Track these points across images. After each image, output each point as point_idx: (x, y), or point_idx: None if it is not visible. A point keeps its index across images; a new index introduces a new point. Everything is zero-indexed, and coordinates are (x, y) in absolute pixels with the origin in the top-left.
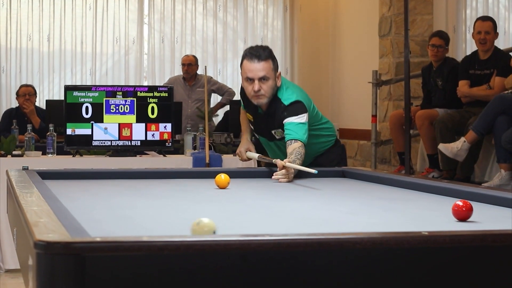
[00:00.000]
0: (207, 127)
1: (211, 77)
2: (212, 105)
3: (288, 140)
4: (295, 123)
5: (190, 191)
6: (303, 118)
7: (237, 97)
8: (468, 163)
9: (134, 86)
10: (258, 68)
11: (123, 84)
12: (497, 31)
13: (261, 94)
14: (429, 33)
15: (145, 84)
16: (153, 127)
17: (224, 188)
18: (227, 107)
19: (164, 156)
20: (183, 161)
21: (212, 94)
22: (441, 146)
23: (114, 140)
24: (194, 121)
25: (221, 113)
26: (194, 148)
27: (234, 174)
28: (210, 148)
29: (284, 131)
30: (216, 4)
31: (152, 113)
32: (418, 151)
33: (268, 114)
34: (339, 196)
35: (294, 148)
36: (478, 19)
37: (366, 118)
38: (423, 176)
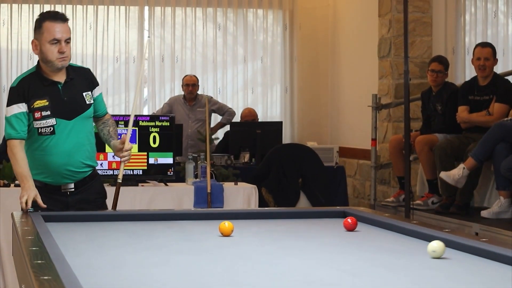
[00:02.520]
0: (208, 157)
1: (211, 97)
2: (212, 125)
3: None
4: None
5: (193, 240)
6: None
7: (237, 118)
8: (468, 189)
9: (136, 116)
10: (64, 29)
11: (123, 105)
12: (496, 57)
13: (66, 56)
14: (428, 55)
15: (146, 105)
16: (155, 156)
17: (228, 236)
18: (227, 127)
19: (166, 185)
20: (185, 190)
21: (212, 114)
22: (443, 175)
23: (116, 169)
24: (194, 141)
25: (221, 133)
26: (196, 176)
27: (237, 215)
28: (211, 177)
29: (93, 96)
30: (216, 23)
31: (154, 142)
32: (417, 175)
33: (71, 79)
34: (341, 248)
35: (112, 121)
36: (477, 45)
37: (365, 137)
38: (425, 224)
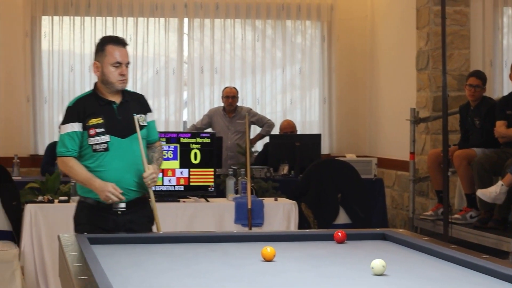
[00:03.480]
0: (248, 173)
1: (251, 109)
2: (251, 136)
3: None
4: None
5: (236, 266)
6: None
7: (276, 130)
8: (506, 203)
9: (177, 132)
10: (125, 53)
11: (163, 117)
12: None
13: (126, 79)
14: (466, 67)
15: (185, 113)
16: (196, 172)
17: (270, 261)
18: (267, 139)
19: (207, 201)
20: (226, 206)
21: (251, 125)
22: (479, 193)
23: (157, 186)
24: (234, 153)
25: (260, 145)
26: (236, 191)
27: (277, 237)
28: (251, 193)
29: (145, 117)
30: (255, 36)
31: (195, 159)
32: (456, 189)
33: (126, 101)
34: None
35: (160, 149)
36: None
37: (404, 149)
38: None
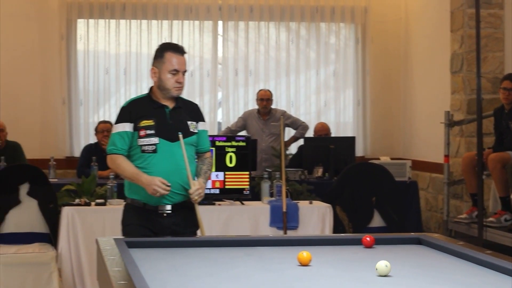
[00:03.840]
0: (283, 176)
1: (285, 111)
2: (285, 139)
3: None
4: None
5: (272, 271)
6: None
7: (310, 132)
8: None
9: (213, 136)
10: (183, 61)
11: None
12: None
13: (182, 86)
14: (500, 70)
15: (219, 114)
16: (231, 175)
17: (306, 265)
18: (301, 141)
19: (242, 204)
20: (261, 210)
21: (286, 128)
22: None
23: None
24: (268, 155)
25: (294, 147)
26: (271, 194)
27: (312, 241)
28: (286, 196)
29: (197, 125)
30: (289, 37)
31: (230, 162)
32: (490, 192)
33: (179, 107)
34: (417, 280)
35: (209, 161)
36: None
37: (438, 151)
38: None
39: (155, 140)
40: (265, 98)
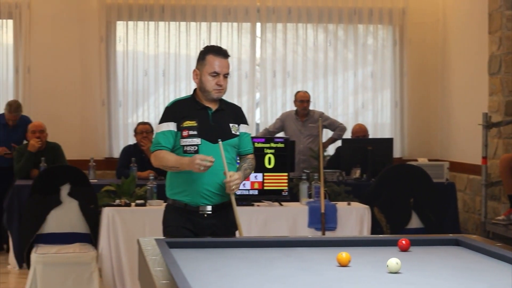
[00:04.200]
0: (322, 177)
1: (323, 113)
2: (323, 140)
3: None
4: (250, 135)
5: (312, 272)
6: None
7: (348, 134)
8: None
9: (252, 137)
10: (225, 65)
11: None
12: None
13: (222, 89)
14: None
15: (257, 116)
16: (269, 177)
17: (345, 266)
18: (339, 143)
19: (281, 205)
20: (299, 211)
21: (323, 129)
22: None
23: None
24: (306, 156)
25: (332, 148)
26: (309, 196)
27: (350, 242)
28: (325, 197)
29: (238, 127)
30: (327, 39)
31: (269, 163)
32: None
33: (222, 110)
34: (454, 282)
35: (251, 161)
36: None
37: (476, 153)
38: None
39: (197, 141)
40: (304, 100)
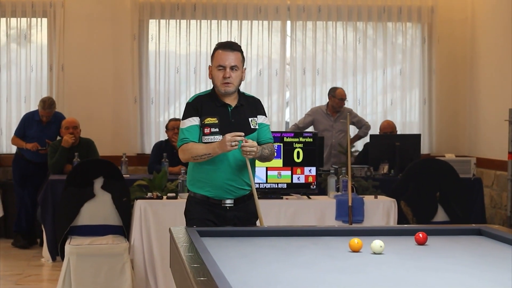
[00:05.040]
0: (349, 171)
1: (351, 110)
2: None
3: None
4: (269, 126)
5: (338, 258)
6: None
7: (376, 130)
8: None
9: (281, 132)
10: (230, 57)
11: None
12: None
13: (230, 82)
14: None
15: (287, 114)
16: (298, 170)
17: (357, 251)
18: (367, 139)
19: (309, 198)
20: (327, 204)
21: (351, 126)
22: None
23: (262, 183)
24: (337, 151)
25: (360, 144)
26: (337, 189)
27: (375, 232)
28: (352, 191)
29: (257, 120)
30: (356, 37)
31: (298, 158)
32: None
33: (241, 105)
34: (474, 269)
35: (270, 146)
36: None
37: (503, 149)
38: None
39: (219, 138)
40: (344, 98)
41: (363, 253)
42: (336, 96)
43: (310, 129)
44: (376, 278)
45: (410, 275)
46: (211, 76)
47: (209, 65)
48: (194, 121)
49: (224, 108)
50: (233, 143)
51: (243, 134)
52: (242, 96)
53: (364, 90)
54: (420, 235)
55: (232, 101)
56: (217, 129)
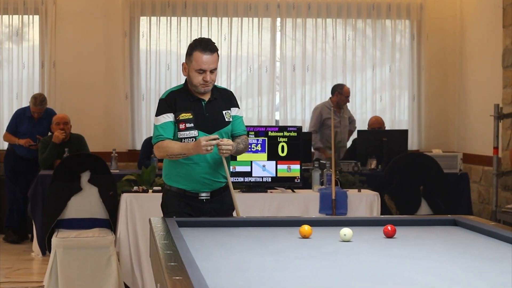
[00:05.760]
0: (333, 165)
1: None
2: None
3: (243, 134)
4: (242, 117)
5: (313, 246)
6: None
7: (365, 126)
8: None
9: (266, 126)
10: (210, 60)
11: (256, 114)
12: None
13: (210, 83)
14: None
15: (277, 110)
16: (282, 164)
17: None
18: (355, 135)
19: (293, 191)
20: (311, 197)
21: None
22: None
23: (246, 177)
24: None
25: (349, 140)
26: (322, 183)
27: (355, 222)
28: (336, 184)
29: (231, 112)
30: (346, 34)
31: (282, 152)
32: None
33: (215, 99)
34: (445, 256)
35: (244, 139)
36: None
37: (491, 145)
38: None
39: (194, 132)
40: (349, 95)
41: (335, 242)
42: (344, 93)
43: (299, 123)
44: (344, 264)
45: (379, 261)
46: (187, 74)
47: (183, 62)
48: (168, 117)
49: (198, 102)
50: (209, 148)
51: (217, 136)
52: (214, 89)
53: (354, 86)
54: (389, 227)
55: (205, 95)
56: (192, 124)
